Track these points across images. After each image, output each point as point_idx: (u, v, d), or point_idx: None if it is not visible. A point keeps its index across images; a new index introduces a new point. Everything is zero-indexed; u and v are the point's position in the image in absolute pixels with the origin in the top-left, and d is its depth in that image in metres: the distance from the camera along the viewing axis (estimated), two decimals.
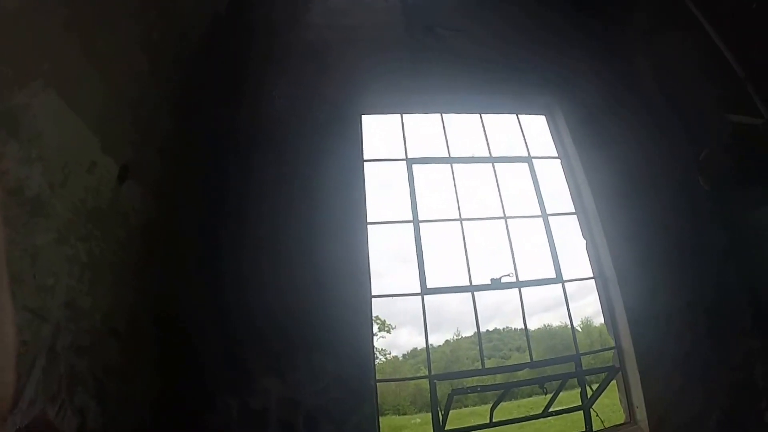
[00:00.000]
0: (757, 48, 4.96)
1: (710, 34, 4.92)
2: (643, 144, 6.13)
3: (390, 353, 24.23)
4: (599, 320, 5.63)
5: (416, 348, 26.67)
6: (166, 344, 4.25)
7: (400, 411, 18.53)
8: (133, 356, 3.86)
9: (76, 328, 3.16)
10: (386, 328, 23.21)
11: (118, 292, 3.71)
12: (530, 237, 5.95)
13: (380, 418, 4.59)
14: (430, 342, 5.17)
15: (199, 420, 4.15)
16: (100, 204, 3.51)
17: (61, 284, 3.02)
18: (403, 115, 6.10)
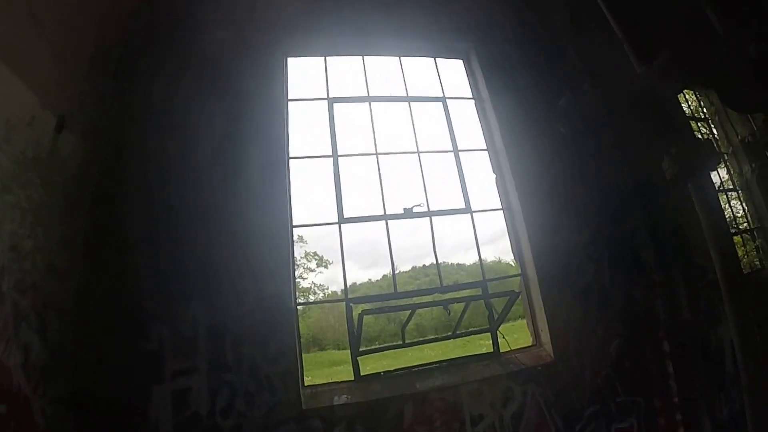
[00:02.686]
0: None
1: None
2: (554, 90, 6.78)
3: (328, 288, 24.91)
4: None
5: (355, 283, 27.48)
6: (101, 280, 4.66)
7: (339, 346, 19.38)
8: (71, 292, 4.33)
9: (19, 268, 3.62)
10: (324, 264, 23.69)
11: (57, 233, 4.17)
12: (444, 171, 6.50)
13: (320, 353, 5.00)
14: (369, 277, 5.76)
15: (135, 349, 4.57)
16: (40, 154, 3.97)
17: (4, 230, 3.48)
18: (327, 58, 6.60)
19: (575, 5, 7.09)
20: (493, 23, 7.16)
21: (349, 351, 5.42)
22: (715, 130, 10.38)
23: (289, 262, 5.38)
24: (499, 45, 7.08)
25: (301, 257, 23.52)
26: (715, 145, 9.74)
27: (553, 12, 7.38)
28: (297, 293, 5.69)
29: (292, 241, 5.62)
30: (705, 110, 10.55)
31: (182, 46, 5.86)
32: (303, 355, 5.42)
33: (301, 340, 5.24)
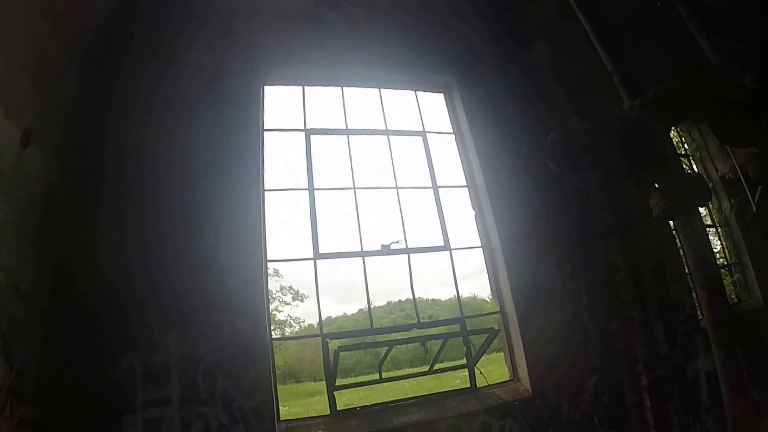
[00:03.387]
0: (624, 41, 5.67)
1: (585, 26, 5.54)
2: (535, 126, 6.98)
3: (304, 321, 24.98)
4: None
5: (330, 316, 27.49)
6: (71, 305, 4.63)
7: (315, 378, 19.31)
8: (38, 315, 4.24)
9: None
10: (299, 298, 23.78)
11: (21, 252, 4.08)
12: (422, 208, 6.63)
13: (296, 385, 5.02)
14: (344, 311, 5.85)
15: (106, 376, 4.55)
16: (3, 168, 3.88)
17: None
18: (305, 87, 6.72)
19: (560, 39, 7.32)
20: (476, 58, 7.39)
21: (323, 383, 5.44)
22: (695, 166, 10.64)
23: (264, 296, 5.44)
24: (481, 80, 7.28)
25: (277, 291, 23.68)
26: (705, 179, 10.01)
27: (537, 48, 7.60)
28: (272, 327, 5.73)
29: (267, 276, 5.69)
30: (686, 146, 10.82)
31: (157, 67, 5.86)
32: (279, 386, 5.42)
33: (278, 371, 5.26)
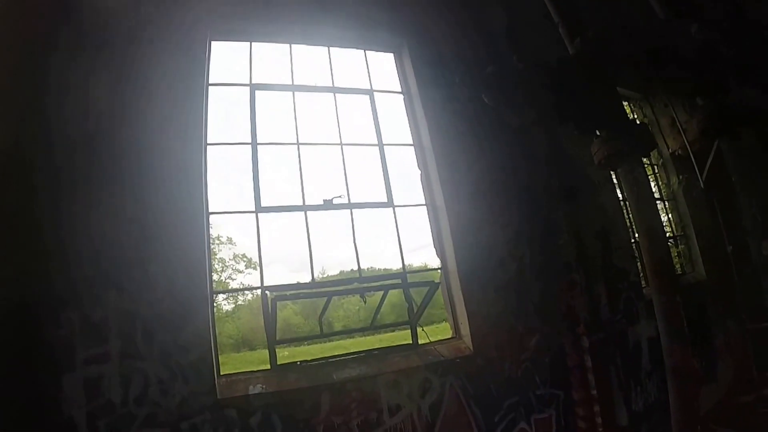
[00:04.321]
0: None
1: None
2: (517, 87, 6.75)
3: (258, 290, 24.97)
4: None
5: (284, 284, 27.61)
6: (7, 262, 4.46)
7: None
8: None
9: None
10: (252, 266, 23.67)
11: None
12: (368, 166, 6.62)
13: (250, 353, 4.94)
14: (298, 279, 5.74)
15: (46, 335, 4.40)
16: None
17: None
18: (252, 44, 6.61)
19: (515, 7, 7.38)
20: (428, 19, 7.34)
21: (279, 350, 5.40)
22: None
23: (204, 249, 5.33)
24: (432, 42, 7.28)
25: (230, 259, 23.40)
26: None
27: (491, 14, 7.64)
28: (225, 295, 5.66)
29: (208, 228, 5.59)
30: (638, 121, 11.03)
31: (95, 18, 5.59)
32: (233, 354, 5.36)
33: (230, 340, 5.19)
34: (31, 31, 5.11)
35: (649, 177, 10.57)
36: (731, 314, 9.31)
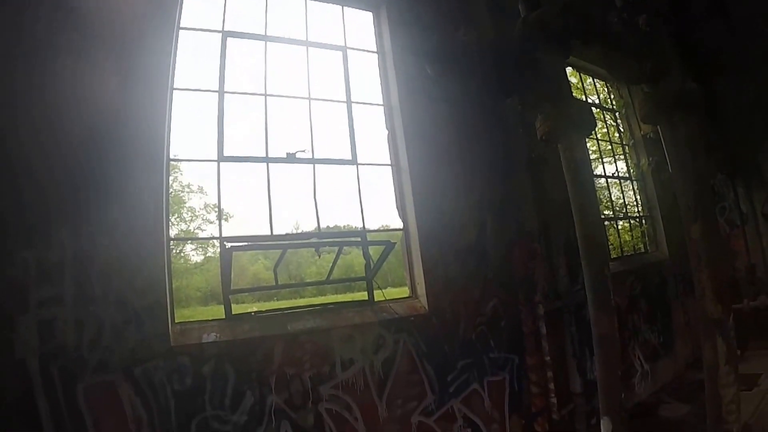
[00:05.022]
0: None
1: None
2: (460, 59, 6.84)
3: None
4: None
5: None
6: None
7: (238, 300, 19.12)
8: None
9: None
10: (224, 217, 23.68)
11: None
12: (335, 123, 6.62)
13: (217, 307, 4.90)
14: (265, 233, 5.67)
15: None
16: None
17: None
18: None
19: None
20: None
21: (247, 305, 5.39)
22: (620, 123, 11.07)
23: (163, 195, 5.25)
24: (412, 3, 7.22)
25: (201, 208, 23.10)
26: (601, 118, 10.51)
27: None
28: (193, 245, 5.64)
29: (168, 174, 5.54)
30: (614, 102, 11.23)
31: None
32: (200, 307, 5.37)
33: (198, 293, 5.19)
34: None
35: (620, 157, 10.83)
36: (690, 293, 9.54)
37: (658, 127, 6.10)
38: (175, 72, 5.76)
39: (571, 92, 5.73)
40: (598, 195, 8.21)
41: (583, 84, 11.10)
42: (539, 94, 5.19)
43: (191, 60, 6.15)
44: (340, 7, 7.04)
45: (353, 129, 6.54)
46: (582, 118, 5.20)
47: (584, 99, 10.32)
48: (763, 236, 10.75)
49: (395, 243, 6.19)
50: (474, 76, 5.39)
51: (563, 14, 4.88)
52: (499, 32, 5.40)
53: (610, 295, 4.98)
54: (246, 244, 5.80)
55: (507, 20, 6.41)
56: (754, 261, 10.78)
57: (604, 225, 6.96)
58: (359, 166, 6.45)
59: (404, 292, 6.76)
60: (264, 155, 5.90)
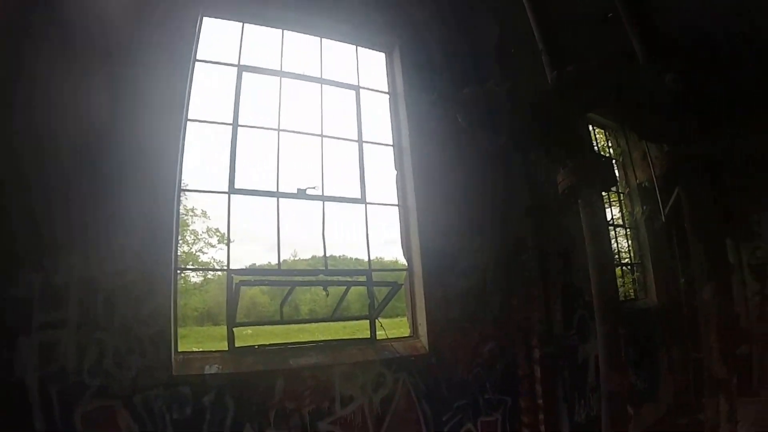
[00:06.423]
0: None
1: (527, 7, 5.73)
2: (492, 110, 6.90)
3: (229, 266, 24.80)
4: None
5: (255, 263, 27.05)
6: None
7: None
8: None
9: None
10: (225, 241, 23.47)
11: None
12: (346, 161, 6.73)
13: (212, 328, 4.93)
14: (269, 260, 5.79)
15: (3, 295, 4.35)
16: None
17: None
18: (244, 24, 6.60)
19: (506, 23, 7.54)
20: (424, 23, 7.51)
21: (242, 329, 5.44)
22: (617, 171, 11.32)
23: (173, 224, 5.36)
24: (424, 46, 7.45)
25: (203, 232, 22.95)
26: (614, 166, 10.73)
27: (482, 27, 7.81)
28: (178, 258, 5.70)
29: (179, 203, 5.61)
30: (612, 150, 11.49)
31: None
32: (196, 328, 5.39)
33: (195, 313, 5.21)
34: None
35: (615, 204, 11.06)
36: (677, 342, 9.76)
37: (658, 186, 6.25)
38: (190, 102, 5.87)
39: (593, 147, 5.85)
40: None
41: None
42: (563, 148, 5.28)
43: (206, 92, 6.24)
44: (354, 47, 7.24)
45: (363, 168, 6.70)
46: (605, 175, 5.32)
47: None
48: (747, 287, 10.99)
49: (401, 285, 6.31)
50: (503, 128, 5.50)
51: (599, 73, 5.00)
52: (528, 85, 5.51)
53: (622, 353, 5.11)
54: (254, 278, 5.86)
55: (516, 71, 6.65)
56: (738, 311, 10.99)
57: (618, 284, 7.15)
58: (368, 205, 6.60)
59: (398, 323, 6.85)
60: (275, 189, 6.00)
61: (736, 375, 5.11)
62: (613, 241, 11.02)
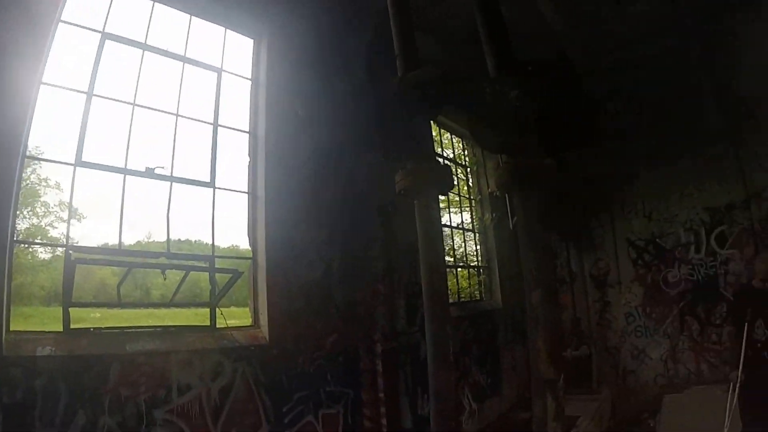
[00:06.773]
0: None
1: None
2: (337, 95, 7.17)
3: (78, 242, 22.93)
4: None
5: (107, 243, 25.60)
6: None
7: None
8: None
9: None
10: (77, 217, 21.89)
11: None
12: (199, 144, 6.56)
13: (59, 309, 4.59)
14: (123, 239, 5.49)
15: None
16: None
17: None
18: None
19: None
20: (298, 17, 7.43)
21: (90, 310, 5.12)
22: (470, 179, 11.99)
23: (12, 192, 4.83)
24: (295, 39, 7.41)
25: (56, 204, 21.24)
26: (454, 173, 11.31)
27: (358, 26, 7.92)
28: (17, 231, 5.29)
29: (21, 171, 5.11)
30: (467, 159, 12.14)
31: None
32: (43, 308, 5.01)
33: (43, 292, 4.86)
34: None
35: (466, 209, 11.75)
36: (518, 341, 10.58)
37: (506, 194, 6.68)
38: (47, 65, 5.33)
39: (434, 151, 6.14)
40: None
41: (441, 138, 11.83)
42: (403, 150, 5.45)
43: (65, 56, 5.80)
44: (224, 29, 7.04)
45: (216, 152, 6.56)
46: (442, 178, 5.56)
47: (441, 152, 11.17)
48: (589, 294, 12.20)
49: (242, 272, 6.29)
50: (344, 126, 5.62)
51: (441, 79, 5.22)
52: (375, 86, 5.66)
53: (450, 351, 5.28)
54: (91, 257, 5.55)
55: (382, 74, 6.81)
56: (579, 315, 12.16)
57: (448, 284, 7.52)
58: (216, 189, 6.47)
59: (246, 313, 6.80)
60: (123, 166, 5.72)
61: (562, 376, 5.48)
62: (462, 244, 11.75)
